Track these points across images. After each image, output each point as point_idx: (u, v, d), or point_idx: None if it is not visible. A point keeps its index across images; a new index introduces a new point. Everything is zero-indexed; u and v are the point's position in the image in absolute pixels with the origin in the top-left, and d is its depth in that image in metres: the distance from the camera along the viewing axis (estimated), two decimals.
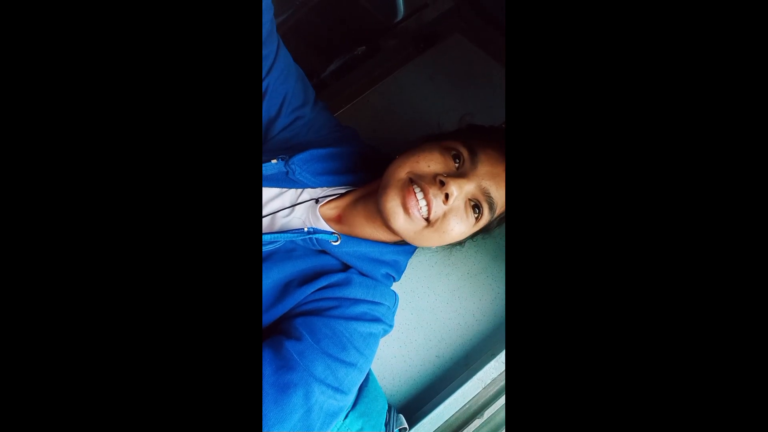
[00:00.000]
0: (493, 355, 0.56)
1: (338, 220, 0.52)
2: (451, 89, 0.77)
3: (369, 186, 0.52)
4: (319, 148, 0.52)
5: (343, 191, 0.53)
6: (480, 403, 0.55)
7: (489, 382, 0.55)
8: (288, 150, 0.52)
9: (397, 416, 0.54)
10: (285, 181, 0.51)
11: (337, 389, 0.42)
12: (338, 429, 0.48)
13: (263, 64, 0.51)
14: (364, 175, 0.54)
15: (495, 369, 0.55)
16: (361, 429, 0.49)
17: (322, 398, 0.41)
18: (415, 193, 0.43)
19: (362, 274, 0.50)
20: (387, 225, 0.45)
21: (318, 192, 0.53)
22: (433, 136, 0.52)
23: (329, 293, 0.47)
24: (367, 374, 0.52)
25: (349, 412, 0.49)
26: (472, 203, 0.44)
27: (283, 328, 0.45)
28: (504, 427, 0.54)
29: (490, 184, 0.44)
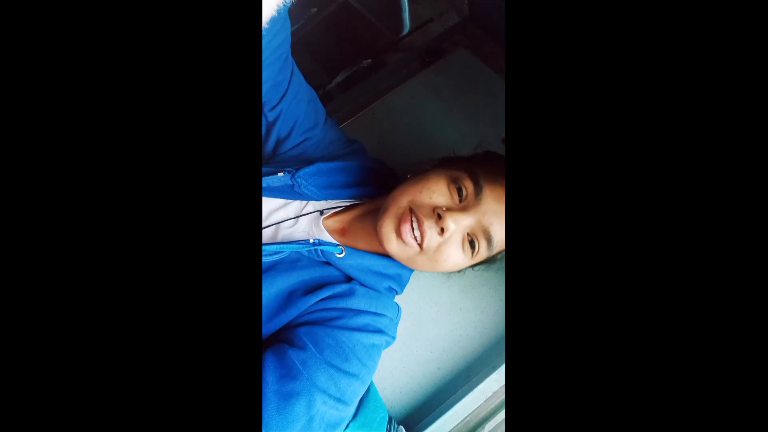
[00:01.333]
0: (495, 368, 0.56)
1: (342, 232, 0.52)
2: (455, 103, 0.78)
3: (375, 202, 0.53)
4: (326, 161, 0.53)
5: (347, 204, 0.54)
6: (481, 416, 0.55)
7: (490, 394, 0.55)
8: (295, 162, 0.53)
9: (397, 428, 0.54)
10: (290, 193, 0.52)
11: (339, 400, 0.42)
12: None
13: (277, 91, 0.52)
14: (369, 188, 0.55)
15: (496, 382, 0.55)
16: None
17: (324, 408, 0.41)
18: (411, 221, 0.43)
19: (365, 286, 0.50)
20: (383, 247, 0.46)
21: (322, 204, 0.53)
22: (446, 160, 0.53)
23: (333, 303, 0.47)
24: (368, 385, 0.52)
25: (349, 422, 0.49)
26: (470, 238, 0.44)
27: (287, 337, 0.45)
28: None
29: (492, 221, 0.43)
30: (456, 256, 0.44)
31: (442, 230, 0.42)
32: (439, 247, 0.44)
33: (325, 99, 0.91)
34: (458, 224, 0.42)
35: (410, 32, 0.96)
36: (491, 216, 0.43)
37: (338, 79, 0.99)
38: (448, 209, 0.43)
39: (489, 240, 0.44)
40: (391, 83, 0.83)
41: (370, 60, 0.98)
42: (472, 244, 0.44)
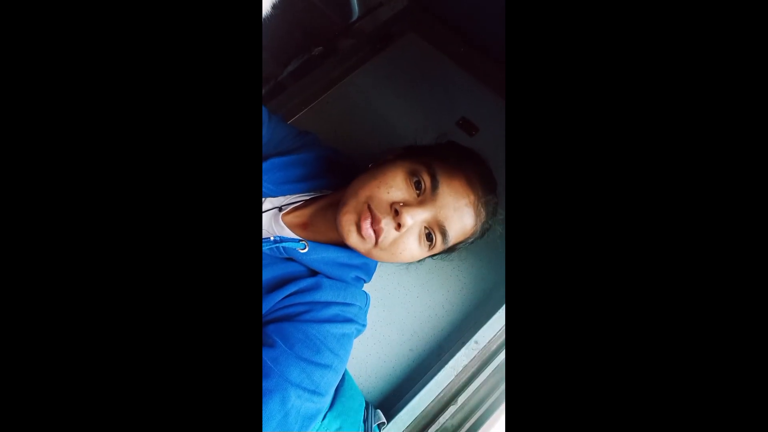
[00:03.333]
0: (464, 343, 0.58)
1: (304, 227, 0.52)
2: (409, 88, 0.79)
3: (335, 195, 0.53)
4: (280, 156, 0.52)
5: (307, 198, 0.53)
6: (454, 390, 0.57)
7: (461, 369, 0.57)
8: None
9: (374, 412, 0.55)
10: None
11: (313, 392, 0.43)
12: (317, 430, 0.48)
13: None
14: (327, 180, 0.55)
15: (466, 356, 0.58)
16: (340, 428, 0.50)
17: (299, 402, 0.42)
18: (369, 216, 0.44)
19: (331, 278, 0.50)
20: (343, 240, 0.46)
21: (281, 200, 0.53)
22: (407, 149, 0.53)
23: (299, 298, 0.47)
24: (343, 374, 0.53)
25: (326, 412, 0.49)
26: (426, 231, 0.45)
27: None
28: (478, 411, 0.57)
29: (447, 216, 0.45)
30: (412, 248, 0.46)
31: (399, 225, 0.43)
32: (395, 240, 0.45)
33: (278, 90, 0.89)
34: (415, 219, 0.44)
35: (359, 18, 0.95)
36: (447, 210, 0.45)
37: (290, 68, 0.97)
38: (406, 204, 0.44)
39: (444, 233, 0.45)
40: (343, 71, 0.82)
41: (321, 48, 0.96)
42: (429, 236, 0.45)
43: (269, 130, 0.56)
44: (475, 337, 0.58)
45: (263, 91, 0.87)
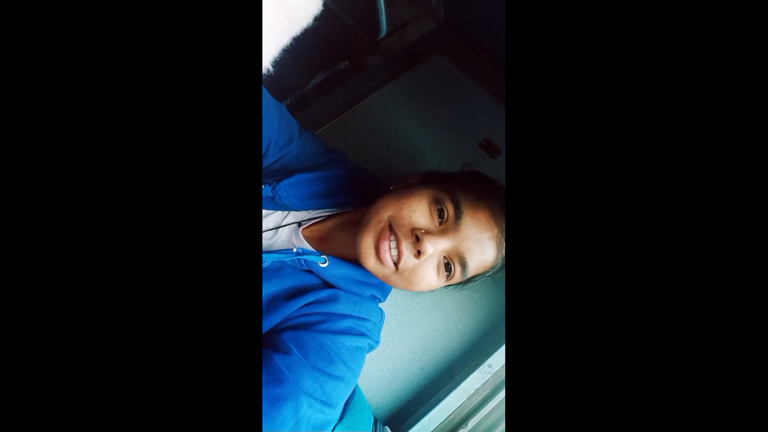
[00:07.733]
0: (477, 366, 0.57)
1: (321, 241, 0.53)
2: (433, 108, 0.80)
3: (356, 212, 0.53)
4: (306, 172, 0.53)
5: (328, 214, 0.54)
6: (464, 413, 0.57)
7: (472, 392, 0.56)
8: (276, 174, 0.53)
9: (383, 429, 0.55)
10: (271, 204, 0.52)
11: (325, 403, 0.43)
12: None
13: None
14: (350, 197, 0.55)
15: (478, 379, 0.57)
16: None
17: (310, 411, 0.42)
18: (389, 239, 0.43)
19: (348, 293, 0.51)
20: (361, 262, 0.46)
21: (303, 215, 0.54)
22: (430, 175, 0.52)
23: (316, 308, 0.48)
24: (353, 388, 0.53)
25: (335, 425, 0.49)
26: (446, 261, 0.44)
27: (271, 342, 0.45)
28: None
29: (469, 249, 0.44)
30: (430, 278, 0.45)
31: (419, 253, 0.42)
32: (414, 268, 0.44)
33: (303, 103, 0.91)
34: (436, 248, 0.43)
35: (387, 35, 0.97)
36: (469, 242, 0.44)
37: (315, 81, 0.99)
38: (427, 232, 0.43)
39: (464, 265, 0.44)
40: (369, 88, 0.84)
41: (347, 62, 0.98)
42: (447, 267, 0.45)
43: (299, 145, 0.57)
44: (488, 361, 0.57)
45: (287, 102, 0.89)
